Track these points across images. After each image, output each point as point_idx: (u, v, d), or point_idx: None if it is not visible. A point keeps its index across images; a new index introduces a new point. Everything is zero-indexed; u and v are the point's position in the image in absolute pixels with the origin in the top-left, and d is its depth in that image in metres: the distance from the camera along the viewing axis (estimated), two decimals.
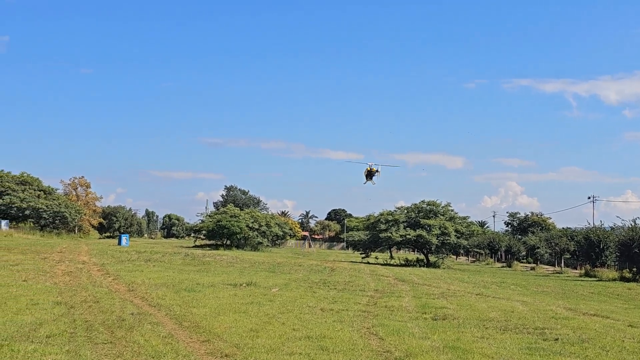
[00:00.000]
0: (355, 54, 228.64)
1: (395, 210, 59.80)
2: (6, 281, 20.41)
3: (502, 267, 68.19)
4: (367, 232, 63.22)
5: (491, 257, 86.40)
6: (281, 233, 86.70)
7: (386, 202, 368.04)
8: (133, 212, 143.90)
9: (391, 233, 55.17)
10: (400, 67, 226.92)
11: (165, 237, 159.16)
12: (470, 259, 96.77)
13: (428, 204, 58.75)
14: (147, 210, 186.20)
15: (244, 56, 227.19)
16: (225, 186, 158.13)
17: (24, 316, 13.21)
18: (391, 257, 65.03)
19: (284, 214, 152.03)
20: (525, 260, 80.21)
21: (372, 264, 51.39)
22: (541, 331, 14.28)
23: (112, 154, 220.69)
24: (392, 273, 36.24)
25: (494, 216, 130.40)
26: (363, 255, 60.84)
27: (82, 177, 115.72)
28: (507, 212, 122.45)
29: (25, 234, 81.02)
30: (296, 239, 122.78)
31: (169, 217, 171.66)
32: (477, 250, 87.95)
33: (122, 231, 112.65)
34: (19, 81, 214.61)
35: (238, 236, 71.86)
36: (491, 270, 55.90)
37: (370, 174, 39.85)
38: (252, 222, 75.65)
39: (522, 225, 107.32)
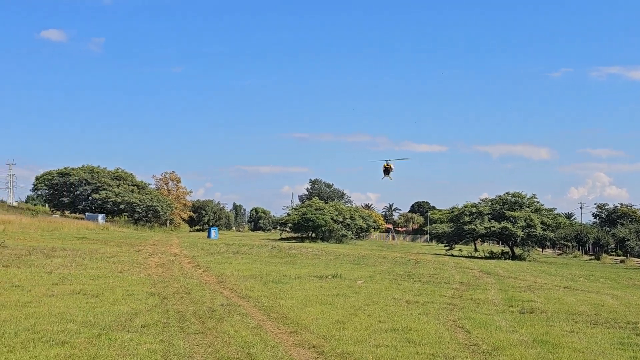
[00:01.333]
0: (438, 47, 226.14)
1: (479, 203, 58.90)
2: (103, 272, 21.06)
3: (590, 259, 66.22)
4: (451, 224, 62.46)
5: (578, 250, 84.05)
6: (365, 225, 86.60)
7: (470, 194, 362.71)
8: (221, 206, 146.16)
9: (475, 225, 54.35)
10: (483, 58, 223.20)
11: (253, 230, 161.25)
12: (556, 251, 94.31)
13: (513, 196, 57.60)
14: (234, 204, 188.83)
15: (328, 52, 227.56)
16: (310, 180, 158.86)
17: (120, 306, 13.56)
18: (475, 250, 64.00)
19: (367, 206, 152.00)
20: (614, 253, 77.71)
21: (456, 256, 50.76)
22: (633, 326, 13.80)
23: (201, 150, 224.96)
24: (476, 266, 35.69)
25: (581, 208, 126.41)
26: (447, 248, 60.17)
27: (173, 172, 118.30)
28: (595, 204, 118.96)
29: (120, 227, 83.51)
30: (380, 232, 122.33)
31: (256, 210, 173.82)
32: (564, 242, 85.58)
33: (211, 224, 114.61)
34: (114, 81, 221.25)
35: (323, 229, 72.17)
36: (579, 263, 54.34)
37: (387, 170, 42.31)
38: (337, 215, 75.82)
39: (611, 217, 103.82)
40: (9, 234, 44.14)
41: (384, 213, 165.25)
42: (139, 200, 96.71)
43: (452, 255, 52.82)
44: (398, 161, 41.52)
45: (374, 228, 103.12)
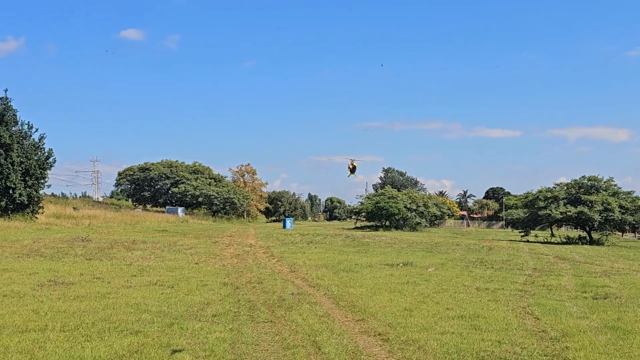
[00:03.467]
0: (510, 31, 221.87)
1: (554, 187, 57.59)
2: (180, 264, 21.53)
3: None
4: (526, 210, 61.30)
5: None
6: (439, 213, 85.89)
7: (545, 179, 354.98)
8: (297, 197, 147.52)
9: (551, 210, 53.21)
10: (558, 40, 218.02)
11: (328, 219, 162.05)
12: (637, 235, 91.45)
13: (589, 180, 56.10)
14: (309, 194, 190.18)
15: (400, 41, 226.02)
16: (383, 168, 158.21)
17: (193, 296, 13.84)
18: (552, 235, 62.57)
19: (441, 194, 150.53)
20: None
21: (531, 242, 49.80)
22: None
23: (276, 142, 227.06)
24: (552, 251, 34.92)
25: None
26: (522, 234, 59.05)
27: (249, 164, 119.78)
28: None
29: (199, 219, 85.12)
30: (454, 219, 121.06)
31: (331, 200, 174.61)
32: None
33: (286, 215, 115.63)
34: (189, 76, 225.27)
35: (396, 217, 71.91)
36: None
37: (353, 169, 46.54)
38: (410, 203, 75.39)
39: None
40: (94, 228, 45.57)
41: (458, 200, 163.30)
42: (217, 193, 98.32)
43: (528, 241, 51.84)
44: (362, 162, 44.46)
45: (448, 215, 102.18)
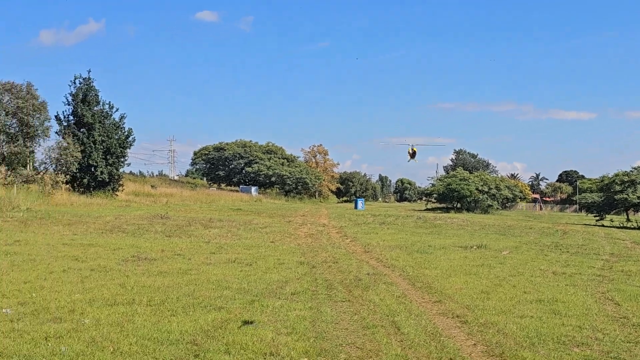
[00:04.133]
0: (586, 11, 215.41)
1: (631, 171, 55.96)
2: (256, 242, 21.84)
3: None
4: (601, 193, 59.76)
5: None
6: (511, 196, 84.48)
7: (622, 162, 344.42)
8: (368, 177, 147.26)
9: (627, 194, 51.85)
10: (632, 19, 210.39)
11: (398, 200, 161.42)
12: None
13: None
14: (380, 175, 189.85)
15: (473, 24, 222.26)
16: (455, 150, 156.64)
17: (271, 274, 14.03)
18: (628, 220, 60.82)
19: (513, 176, 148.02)
20: None
21: (606, 226, 48.50)
22: None
23: (348, 122, 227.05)
24: (629, 236, 33.93)
25: None
26: (597, 218, 57.62)
27: (321, 144, 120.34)
28: None
29: (272, 199, 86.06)
30: (526, 202, 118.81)
31: (402, 181, 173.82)
32: None
33: (357, 195, 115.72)
34: (263, 57, 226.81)
35: (468, 199, 71.16)
36: None
37: (413, 154, 47.65)
38: (482, 185, 74.44)
39: None
40: (172, 206, 46.56)
41: (530, 183, 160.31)
42: (289, 173, 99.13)
43: (603, 225, 50.53)
44: (424, 146, 45.10)
45: (520, 198, 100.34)
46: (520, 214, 78.35)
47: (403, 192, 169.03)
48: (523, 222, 45.83)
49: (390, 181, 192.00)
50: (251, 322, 9.19)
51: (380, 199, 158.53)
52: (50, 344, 7.79)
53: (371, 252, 19.73)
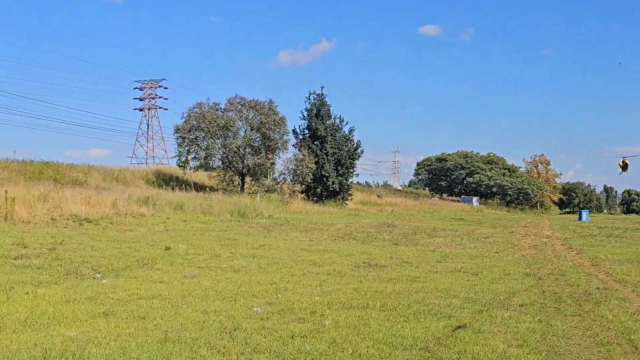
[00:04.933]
0: None
1: None
2: (480, 252, 21.44)
3: None
4: None
5: None
6: None
7: None
8: (592, 188, 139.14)
9: None
10: None
11: (625, 212, 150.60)
12: None
13: None
14: (605, 186, 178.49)
15: None
16: None
17: (498, 285, 13.69)
18: None
19: None
20: None
21: None
22: None
23: (571, 131, 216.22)
24: None
25: None
26: None
27: (542, 155, 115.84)
28: None
29: (492, 209, 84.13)
30: None
31: (629, 192, 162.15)
32: None
33: (581, 207, 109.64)
34: (484, 68, 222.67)
35: None
36: None
37: (625, 166, 47.01)
38: None
39: None
40: (396, 215, 47.18)
41: None
42: (510, 184, 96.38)
43: None
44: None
45: None
46: None
47: (630, 203, 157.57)
48: None
49: (616, 192, 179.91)
50: (464, 326, 9.09)
51: (605, 211, 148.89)
52: (296, 343, 8.21)
53: (599, 266, 18.57)
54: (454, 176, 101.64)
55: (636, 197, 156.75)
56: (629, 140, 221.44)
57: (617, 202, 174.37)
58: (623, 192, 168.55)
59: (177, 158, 49.84)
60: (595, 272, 17.21)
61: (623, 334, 9.38)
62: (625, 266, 18.58)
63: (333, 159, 53.49)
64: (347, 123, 56.44)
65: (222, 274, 14.11)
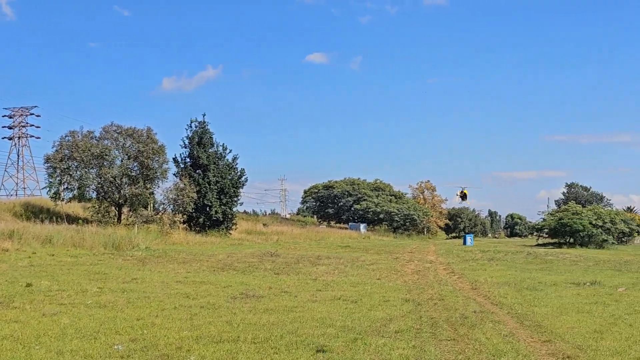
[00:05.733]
0: None
1: None
2: (363, 279, 21.60)
3: None
4: None
5: None
6: (627, 230, 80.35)
7: None
8: (477, 213, 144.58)
9: None
10: None
11: (509, 236, 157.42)
12: None
13: None
14: (489, 211, 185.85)
15: (584, 52, 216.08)
16: (566, 183, 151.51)
17: (376, 312, 13.76)
18: None
19: (630, 209, 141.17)
20: None
21: None
22: None
23: (456, 157, 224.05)
24: None
25: None
26: None
27: (428, 181, 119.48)
28: None
29: (380, 235, 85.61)
30: None
31: (512, 216, 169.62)
32: None
33: (466, 231, 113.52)
34: (371, 96, 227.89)
35: (581, 234, 68.21)
36: None
37: (464, 196, 52.05)
38: (596, 219, 71.23)
39: None
40: (282, 244, 47.10)
41: None
42: (397, 210, 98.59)
43: None
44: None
45: (638, 232, 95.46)
46: (637, 249, 74.36)
47: (513, 227, 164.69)
48: None
49: (500, 216, 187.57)
50: (323, 351, 9.12)
51: (489, 235, 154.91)
52: None
53: (479, 289, 19.11)
54: (341, 203, 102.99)
55: (519, 220, 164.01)
56: (514, 164, 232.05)
57: (502, 226, 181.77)
58: (507, 216, 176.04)
59: (48, 189, 47.79)
60: (474, 295, 17.67)
61: (494, 356, 9.56)
62: (503, 289, 19.22)
63: (216, 187, 52.92)
64: (230, 151, 56.12)
65: (86, 310, 13.43)
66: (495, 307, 15.10)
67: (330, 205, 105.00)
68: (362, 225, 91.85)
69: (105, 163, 46.98)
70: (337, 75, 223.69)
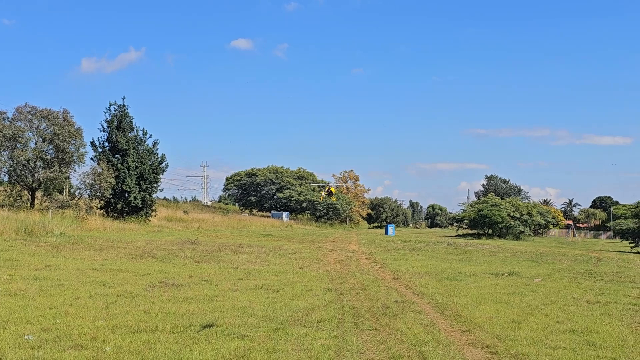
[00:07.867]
0: (618, 35, 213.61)
1: None
2: (285, 268, 21.56)
3: None
4: (636, 220, 58.59)
5: None
6: (543, 222, 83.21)
7: None
8: (399, 203, 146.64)
9: None
10: None
11: (429, 226, 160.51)
12: None
13: None
14: (411, 201, 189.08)
15: (509, 49, 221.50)
16: (486, 176, 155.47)
17: (298, 301, 13.74)
18: None
19: (546, 202, 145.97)
20: None
21: None
22: None
23: (380, 148, 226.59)
24: None
25: None
26: (632, 245, 56.41)
27: (352, 170, 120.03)
28: None
29: (303, 224, 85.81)
30: (559, 228, 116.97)
31: (433, 207, 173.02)
32: None
33: (388, 221, 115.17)
34: (297, 84, 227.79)
35: (499, 225, 70.17)
36: None
37: (330, 193, 51.34)
38: (513, 211, 73.41)
39: None
40: (203, 232, 46.57)
41: (563, 209, 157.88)
42: (320, 199, 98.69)
43: (638, 252, 49.38)
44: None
45: (553, 224, 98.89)
46: (552, 241, 77.03)
47: (434, 218, 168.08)
48: (556, 248, 44.98)
49: (421, 207, 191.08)
50: (211, 326, 9.36)
51: (411, 225, 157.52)
52: None
53: (400, 279, 19.35)
54: (264, 191, 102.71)
55: (439, 211, 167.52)
56: (436, 157, 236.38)
57: (423, 217, 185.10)
58: (428, 207, 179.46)
59: None
60: (396, 285, 17.88)
61: (415, 346, 9.68)
62: (424, 279, 19.53)
63: (135, 173, 51.81)
64: (150, 136, 54.89)
65: None
66: (417, 297, 15.31)
67: (253, 193, 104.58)
68: (284, 214, 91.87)
69: (18, 145, 45.33)
70: (262, 62, 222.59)
